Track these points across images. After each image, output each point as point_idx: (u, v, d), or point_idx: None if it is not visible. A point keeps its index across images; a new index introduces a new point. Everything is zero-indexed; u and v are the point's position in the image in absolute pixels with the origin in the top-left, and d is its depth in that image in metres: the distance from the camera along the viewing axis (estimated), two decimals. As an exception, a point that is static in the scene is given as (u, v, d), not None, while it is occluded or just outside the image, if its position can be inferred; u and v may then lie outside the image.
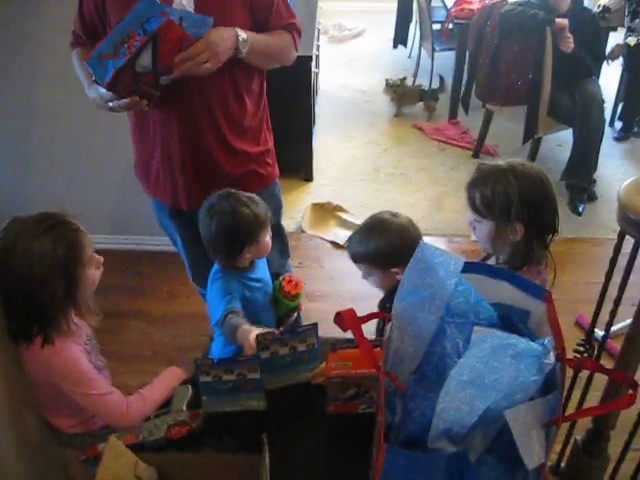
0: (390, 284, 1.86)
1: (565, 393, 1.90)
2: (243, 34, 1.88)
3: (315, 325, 1.65)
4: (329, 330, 1.51)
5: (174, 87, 1.85)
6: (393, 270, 1.82)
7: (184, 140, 2.07)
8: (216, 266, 2.01)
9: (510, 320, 1.18)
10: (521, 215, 1.65)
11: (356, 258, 1.90)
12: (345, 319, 1.19)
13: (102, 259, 1.75)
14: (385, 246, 1.83)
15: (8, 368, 1.65)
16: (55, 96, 3.15)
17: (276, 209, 2.37)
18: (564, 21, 3.77)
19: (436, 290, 1.17)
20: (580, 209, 4.06)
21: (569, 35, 3.78)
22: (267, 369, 1.65)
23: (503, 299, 1.21)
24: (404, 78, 5.27)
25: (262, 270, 2.06)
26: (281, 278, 2.04)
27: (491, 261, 1.81)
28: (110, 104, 1.87)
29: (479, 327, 1.09)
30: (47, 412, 1.81)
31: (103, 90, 1.83)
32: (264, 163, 2.27)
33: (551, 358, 1.04)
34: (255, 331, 1.67)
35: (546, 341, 1.06)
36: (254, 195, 1.94)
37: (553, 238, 1.74)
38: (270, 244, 1.98)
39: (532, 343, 1.06)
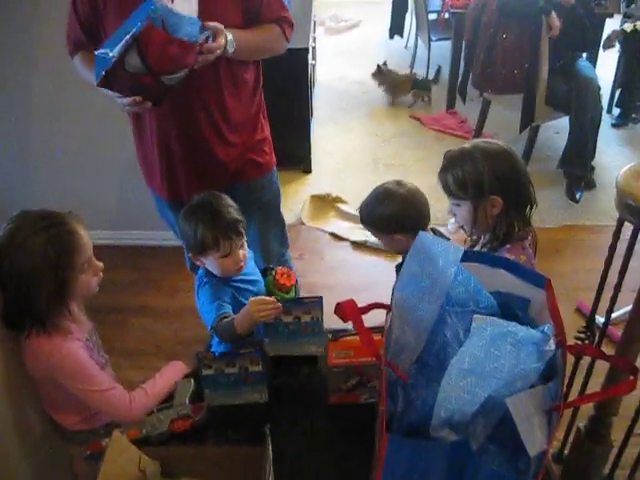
0: (396, 249, 1.99)
1: (567, 380, 1.90)
2: (229, 34, 1.89)
3: (320, 298, 1.69)
4: (331, 322, 1.52)
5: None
6: (397, 237, 1.90)
7: (182, 134, 2.08)
8: (200, 271, 1.99)
9: (510, 308, 1.18)
10: (494, 188, 1.70)
11: (364, 222, 2.00)
12: (345, 310, 1.19)
13: (102, 265, 1.72)
14: (390, 214, 1.91)
15: (8, 362, 1.65)
16: (55, 92, 3.16)
17: (275, 196, 2.41)
18: (557, 22, 3.77)
19: (436, 279, 1.17)
20: (577, 196, 4.06)
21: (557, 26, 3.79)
22: (271, 334, 1.70)
23: (502, 287, 1.21)
24: (384, 62, 5.26)
25: (250, 268, 2.04)
26: (274, 272, 2.03)
27: (477, 247, 1.83)
28: (118, 101, 1.86)
29: (479, 315, 1.09)
30: (51, 409, 1.81)
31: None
32: (261, 152, 2.28)
33: (551, 345, 1.04)
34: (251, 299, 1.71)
35: (546, 328, 1.06)
36: (232, 203, 1.92)
37: (532, 211, 1.78)
38: (246, 255, 1.95)
39: (532, 330, 1.06)
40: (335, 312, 1.23)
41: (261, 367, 1.62)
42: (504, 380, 1.02)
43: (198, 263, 1.94)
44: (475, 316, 1.08)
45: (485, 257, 1.26)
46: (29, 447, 1.75)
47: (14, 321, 1.63)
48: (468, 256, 1.20)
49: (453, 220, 1.87)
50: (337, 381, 1.59)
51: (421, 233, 1.22)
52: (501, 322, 1.07)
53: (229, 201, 1.92)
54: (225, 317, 1.81)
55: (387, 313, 1.25)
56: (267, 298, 1.72)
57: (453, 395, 1.03)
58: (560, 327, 1.07)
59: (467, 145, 1.77)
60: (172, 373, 1.81)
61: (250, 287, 2.00)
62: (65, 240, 1.60)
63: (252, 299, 1.72)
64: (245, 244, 1.92)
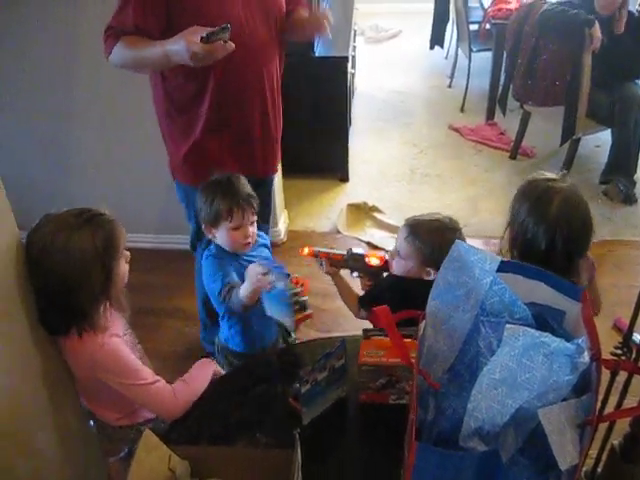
0: (410, 274, 1.86)
1: (602, 396, 1.87)
2: None
3: (343, 341, 1.63)
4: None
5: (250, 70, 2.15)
6: (428, 269, 1.82)
7: (260, 112, 2.28)
8: (206, 252, 2.09)
9: (545, 320, 1.17)
10: (560, 244, 1.66)
11: (416, 237, 1.85)
12: (379, 316, 1.20)
13: (129, 254, 1.74)
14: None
15: (47, 363, 1.67)
16: (98, 100, 3.21)
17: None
18: (599, 32, 3.74)
19: (471, 289, 1.16)
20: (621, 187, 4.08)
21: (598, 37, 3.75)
22: (307, 402, 1.59)
23: (538, 299, 1.20)
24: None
25: (259, 252, 2.15)
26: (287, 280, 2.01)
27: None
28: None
29: (511, 325, 1.08)
30: (93, 406, 1.84)
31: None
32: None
33: (585, 358, 1.02)
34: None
35: (580, 341, 1.05)
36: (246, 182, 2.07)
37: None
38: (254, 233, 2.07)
39: (565, 342, 1.04)
40: (369, 318, 1.24)
41: (344, 360, 1.62)
42: (536, 391, 1.01)
43: (210, 236, 2.05)
44: (507, 326, 1.07)
45: (521, 268, 1.25)
46: (68, 449, 1.77)
47: (54, 324, 1.64)
48: (504, 266, 1.19)
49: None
50: (366, 379, 1.59)
51: (457, 242, 1.22)
52: (534, 332, 1.05)
53: (244, 180, 2.05)
54: (232, 286, 1.94)
55: (420, 321, 1.25)
56: (259, 267, 1.82)
57: (483, 405, 1.03)
58: (595, 340, 1.06)
59: (556, 186, 1.70)
60: (206, 368, 1.84)
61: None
62: (107, 229, 1.62)
63: (250, 266, 1.85)
64: (255, 223, 2.04)
